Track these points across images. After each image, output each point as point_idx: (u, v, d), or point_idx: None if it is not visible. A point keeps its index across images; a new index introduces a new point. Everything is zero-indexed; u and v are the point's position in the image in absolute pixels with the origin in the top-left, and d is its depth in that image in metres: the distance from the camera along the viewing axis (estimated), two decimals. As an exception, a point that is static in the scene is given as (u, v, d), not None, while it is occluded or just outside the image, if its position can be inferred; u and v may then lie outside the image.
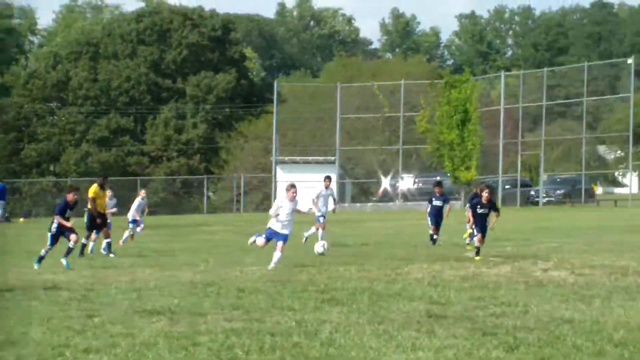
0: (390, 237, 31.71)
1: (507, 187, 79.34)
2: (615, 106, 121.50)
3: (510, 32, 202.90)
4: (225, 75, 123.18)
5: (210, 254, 31.89)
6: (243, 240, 32.76)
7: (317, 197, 34.17)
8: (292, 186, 25.78)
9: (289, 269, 25.05)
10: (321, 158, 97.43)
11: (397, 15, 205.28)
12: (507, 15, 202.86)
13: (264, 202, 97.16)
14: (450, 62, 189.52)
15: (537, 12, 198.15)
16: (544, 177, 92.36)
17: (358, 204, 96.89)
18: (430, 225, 31.07)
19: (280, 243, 25.31)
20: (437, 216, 30.47)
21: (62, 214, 27.47)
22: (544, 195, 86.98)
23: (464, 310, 16.43)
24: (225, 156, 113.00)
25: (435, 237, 32.05)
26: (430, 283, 20.94)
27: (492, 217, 28.12)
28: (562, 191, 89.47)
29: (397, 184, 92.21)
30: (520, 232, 33.15)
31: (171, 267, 26.83)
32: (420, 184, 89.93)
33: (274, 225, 25.48)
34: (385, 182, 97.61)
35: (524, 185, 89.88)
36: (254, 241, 26.25)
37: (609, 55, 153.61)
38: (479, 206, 28.00)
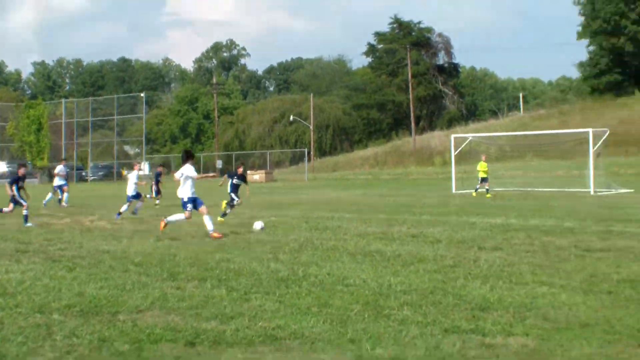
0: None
1: (67, 170, 78.12)
2: (134, 121, 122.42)
3: (68, 75, 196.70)
4: None
5: None
6: None
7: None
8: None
9: None
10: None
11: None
12: (65, 63, 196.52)
13: None
14: (29, 92, 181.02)
15: (85, 63, 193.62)
16: (91, 164, 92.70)
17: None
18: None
19: None
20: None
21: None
22: (91, 175, 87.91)
23: (40, 247, 16.04)
24: None
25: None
26: (18, 230, 20.28)
27: (246, 188, 24.42)
28: (102, 173, 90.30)
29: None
30: (79, 198, 32.77)
31: None
32: (10, 168, 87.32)
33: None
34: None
35: (79, 169, 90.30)
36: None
37: (130, 90, 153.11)
38: (235, 178, 23.67)
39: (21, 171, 23.10)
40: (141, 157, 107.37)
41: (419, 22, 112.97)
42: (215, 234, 17.58)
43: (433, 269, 12.02)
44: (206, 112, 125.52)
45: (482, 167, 33.73)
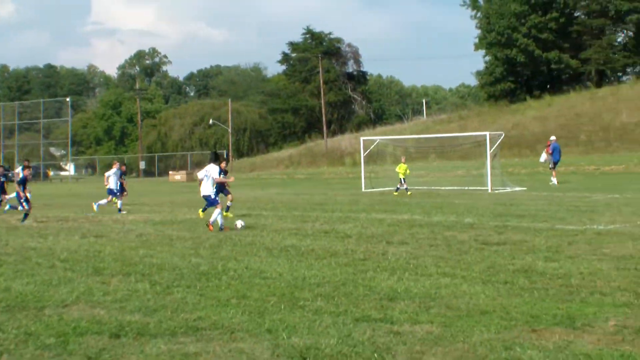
0: None
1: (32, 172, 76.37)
2: (60, 125, 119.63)
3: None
4: None
5: None
6: None
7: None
8: None
9: None
10: None
11: None
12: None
13: None
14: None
15: (12, 68, 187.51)
16: (18, 165, 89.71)
17: None
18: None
19: None
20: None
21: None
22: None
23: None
24: None
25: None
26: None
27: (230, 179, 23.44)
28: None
29: None
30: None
31: None
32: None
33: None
34: None
35: (7, 169, 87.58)
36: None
37: (55, 95, 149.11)
38: (222, 174, 22.55)
39: (26, 172, 22.88)
40: (67, 159, 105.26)
41: (330, 33, 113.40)
42: (211, 227, 17.92)
43: (344, 262, 12.06)
44: (130, 116, 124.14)
45: (400, 168, 33.48)
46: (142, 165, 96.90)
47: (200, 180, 18.77)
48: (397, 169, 33.77)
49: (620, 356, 6.37)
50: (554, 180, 36.62)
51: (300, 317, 8.08)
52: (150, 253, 13.81)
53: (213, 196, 18.44)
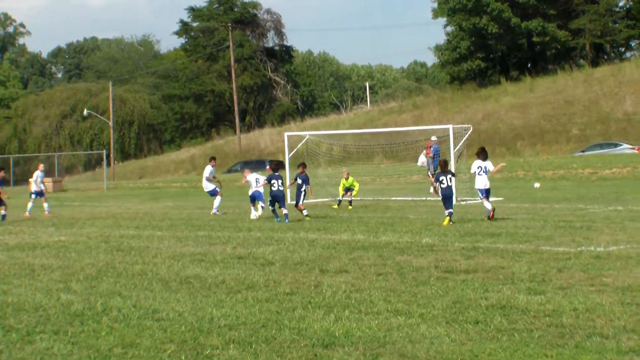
0: None
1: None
2: None
3: None
4: None
5: None
6: None
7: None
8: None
9: None
10: None
11: None
12: None
13: None
14: None
15: None
16: None
17: None
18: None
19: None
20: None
21: None
22: None
23: None
24: None
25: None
26: None
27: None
28: None
29: None
30: None
31: None
32: None
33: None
34: None
35: None
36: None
37: None
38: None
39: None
40: None
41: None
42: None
43: (265, 297, 12.04)
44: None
45: (344, 183, 32.79)
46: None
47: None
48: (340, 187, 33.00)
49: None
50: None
51: (207, 372, 8.02)
52: (3, 288, 13.63)
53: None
